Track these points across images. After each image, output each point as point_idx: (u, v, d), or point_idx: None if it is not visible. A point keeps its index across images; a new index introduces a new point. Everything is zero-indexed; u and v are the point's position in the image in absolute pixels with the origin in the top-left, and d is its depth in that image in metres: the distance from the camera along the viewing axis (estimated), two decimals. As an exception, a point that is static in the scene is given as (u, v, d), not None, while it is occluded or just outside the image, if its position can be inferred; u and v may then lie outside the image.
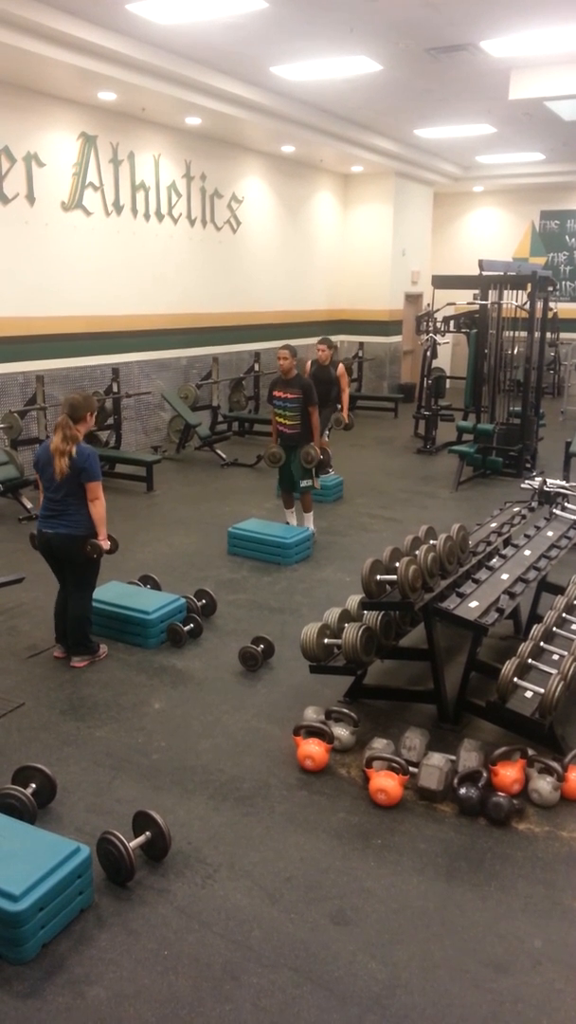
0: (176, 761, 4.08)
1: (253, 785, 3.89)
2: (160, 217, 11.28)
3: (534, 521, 5.94)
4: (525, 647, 4.13)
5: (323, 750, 4.00)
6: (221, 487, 9.57)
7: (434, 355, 12.07)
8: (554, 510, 6.06)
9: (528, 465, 10.24)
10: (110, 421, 10.16)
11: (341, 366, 9.10)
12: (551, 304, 12.29)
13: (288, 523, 7.49)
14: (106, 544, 4.91)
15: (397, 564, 4.20)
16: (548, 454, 11.06)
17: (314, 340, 10.19)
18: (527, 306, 10.19)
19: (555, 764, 3.78)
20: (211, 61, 8.95)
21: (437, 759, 3.80)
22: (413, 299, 16.38)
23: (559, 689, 3.78)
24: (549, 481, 6.69)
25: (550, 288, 10.85)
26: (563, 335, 16.52)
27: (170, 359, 11.78)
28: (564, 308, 16.68)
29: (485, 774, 3.75)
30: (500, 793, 3.67)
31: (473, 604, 4.38)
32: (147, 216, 11.05)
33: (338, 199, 15.54)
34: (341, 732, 4.13)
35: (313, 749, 3.98)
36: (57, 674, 4.95)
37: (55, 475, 4.78)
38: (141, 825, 3.35)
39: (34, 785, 3.58)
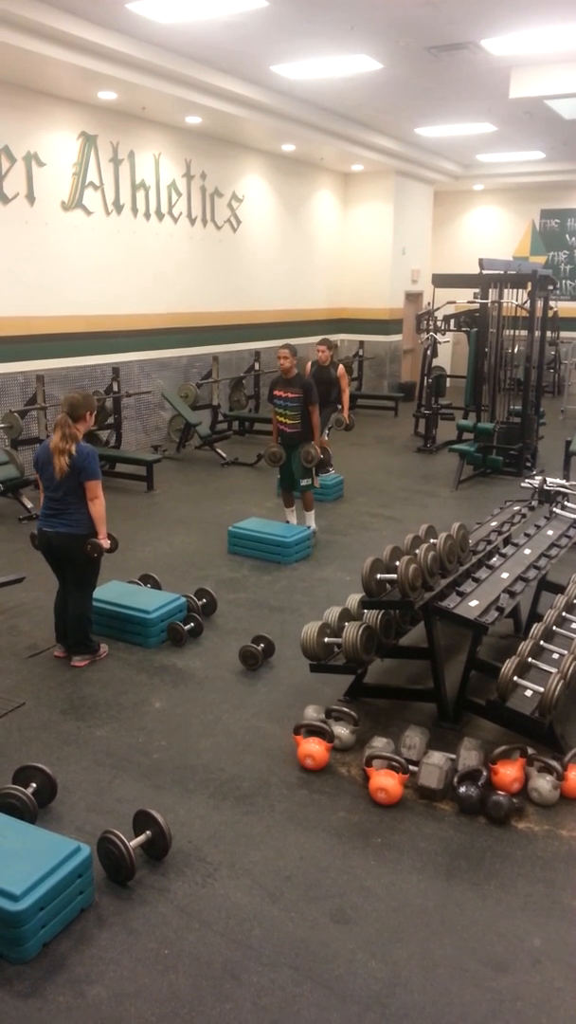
0: (176, 760, 4.08)
1: (253, 784, 3.89)
2: (160, 216, 11.28)
3: (534, 520, 5.94)
4: (525, 646, 4.13)
5: (323, 749, 4.00)
6: (221, 486, 9.57)
7: (434, 354, 12.07)
8: (554, 509, 6.07)
9: (528, 464, 10.24)
10: (110, 420, 10.16)
11: (341, 367, 9.10)
12: (551, 303, 12.29)
13: (288, 522, 7.49)
14: (106, 543, 4.91)
15: (397, 563, 4.20)
16: (548, 453, 11.06)
17: (314, 339, 10.21)
18: (527, 305, 10.19)
19: (555, 763, 3.78)
20: (211, 60, 8.95)
21: (437, 758, 3.81)
22: (413, 298, 16.38)
23: (559, 688, 3.78)
24: (549, 480, 6.69)
25: (550, 287, 10.84)
26: (563, 334, 16.52)
27: (170, 358, 11.78)
28: (564, 307, 16.67)
29: (485, 773, 3.75)
30: (500, 792, 3.67)
31: (473, 603, 4.38)
32: (147, 215, 11.05)
33: (338, 198, 15.53)
34: (341, 731, 4.14)
35: (313, 748, 3.99)
36: (57, 673, 4.96)
37: (55, 474, 4.78)
38: (141, 824, 3.36)
39: (34, 785, 3.58)
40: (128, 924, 3.04)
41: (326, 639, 4.46)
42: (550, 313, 11.79)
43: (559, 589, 5.12)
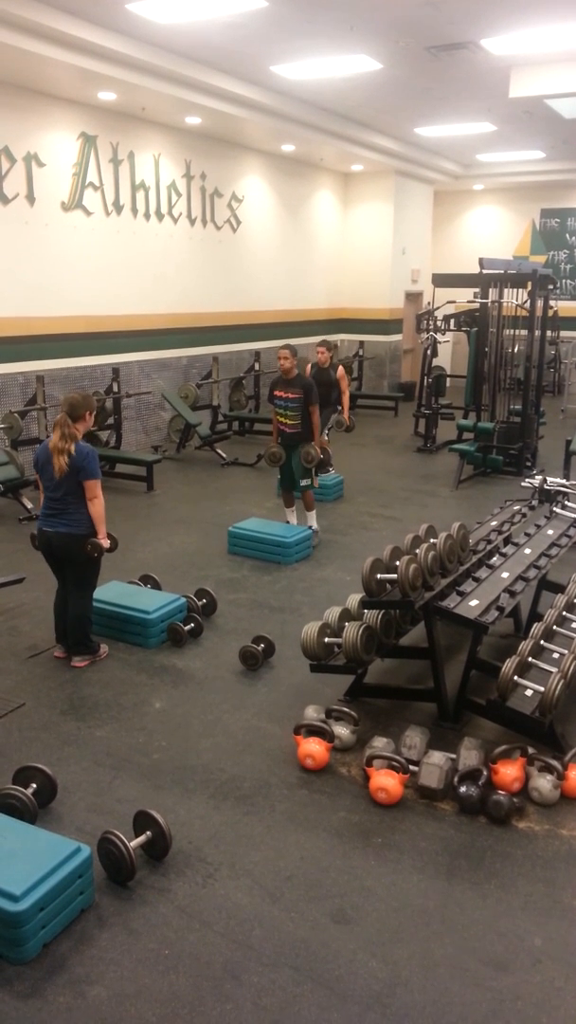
0: (177, 760, 4.08)
1: (254, 784, 3.89)
2: (160, 217, 11.28)
3: (534, 519, 5.94)
4: (525, 645, 4.13)
5: (323, 749, 4.00)
6: (221, 486, 9.57)
7: (434, 354, 12.07)
8: (554, 508, 6.07)
9: (528, 463, 10.24)
10: (110, 421, 10.16)
11: (341, 368, 9.10)
12: (551, 302, 12.29)
13: (288, 522, 7.49)
14: (106, 542, 4.91)
15: (397, 563, 4.20)
16: (548, 452, 11.06)
17: (314, 339, 10.22)
18: (527, 304, 10.19)
19: (555, 762, 3.78)
20: (211, 60, 8.95)
21: (437, 757, 3.81)
22: (413, 298, 16.38)
23: (559, 687, 3.78)
24: (549, 479, 6.69)
25: (550, 286, 10.84)
26: (563, 333, 16.52)
27: (170, 358, 11.78)
28: (564, 306, 16.67)
29: (485, 772, 3.75)
30: (500, 791, 3.67)
31: (473, 602, 4.38)
32: (147, 216, 11.05)
33: (338, 198, 15.53)
34: (341, 731, 4.14)
35: (314, 748, 3.98)
36: (57, 674, 4.96)
37: (54, 474, 4.79)
38: (142, 825, 3.35)
39: (35, 785, 3.58)
40: (128, 924, 3.04)
41: (326, 639, 4.45)
42: (550, 312, 11.79)
43: (559, 588, 5.12)
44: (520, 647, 4.13)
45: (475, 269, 10.55)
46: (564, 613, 4.59)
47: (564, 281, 17.20)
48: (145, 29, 7.84)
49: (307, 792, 3.83)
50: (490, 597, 4.46)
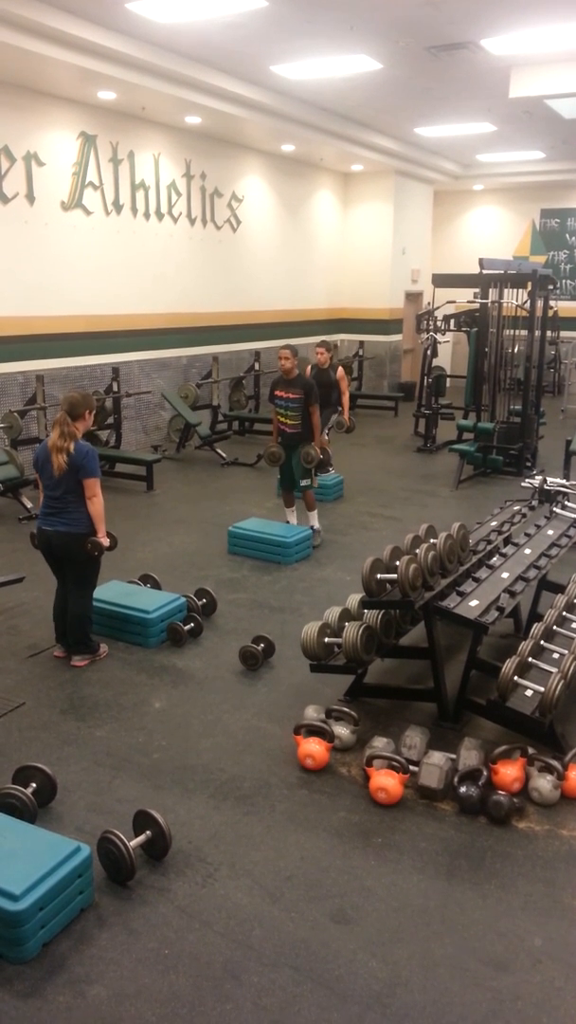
0: (176, 760, 4.08)
1: (254, 784, 3.89)
2: (160, 216, 11.28)
3: (534, 520, 5.94)
4: (525, 646, 4.13)
5: (323, 749, 4.00)
6: (221, 486, 9.57)
7: (434, 354, 12.07)
8: (554, 508, 6.06)
9: (528, 463, 10.24)
10: (110, 420, 10.16)
11: (341, 369, 9.10)
12: (551, 302, 12.29)
13: (288, 522, 7.49)
14: (106, 541, 4.91)
15: (397, 563, 4.20)
16: (548, 452, 11.06)
17: (314, 339, 10.22)
18: (527, 304, 10.19)
19: (555, 763, 3.78)
20: (211, 60, 8.94)
21: (437, 758, 3.81)
22: (413, 298, 16.38)
23: (559, 688, 3.78)
24: (549, 479, 6.69)
25: (550, 286, 10.84)
26: (563, 333, 16.52)
27: (170, 358, 11.78)
28: (564, 306, 16.67)
29: (485, 772, 3.75)
30: (500, 791, 3.67)
31: (473, 603, 4.38)
32: (147, 215, 11.05)
33: (338, 198, 15.53)
34: (341, 731, 4.13)
35: (314, 748, 3.98)
36: (57, 673, 4.95)
37: (53, 472, 4.79)
38: (141, 824, 3.35)
39: (34, 784, 3.58)
40: (128, 924, 3.03)
41: (326, 639, 4.45)
42: (550, 313, 11.79)
43: (559, 589, 5.11)
44: (520, 647, 4.13)
45: (475, 269, 10.55)
46: (564, 613, 4.59)
47: (564, 281, 17.20)
48: (145, 29, 7.84)
49: (307, 792, 3.83)
50: (490, 597, 4.46)
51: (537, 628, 4.32)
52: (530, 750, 3.91)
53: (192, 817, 3.63)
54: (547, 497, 6.48)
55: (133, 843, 3.25)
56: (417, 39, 8.09)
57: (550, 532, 5.57)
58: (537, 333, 10.37)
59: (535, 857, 3.42)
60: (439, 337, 12.01)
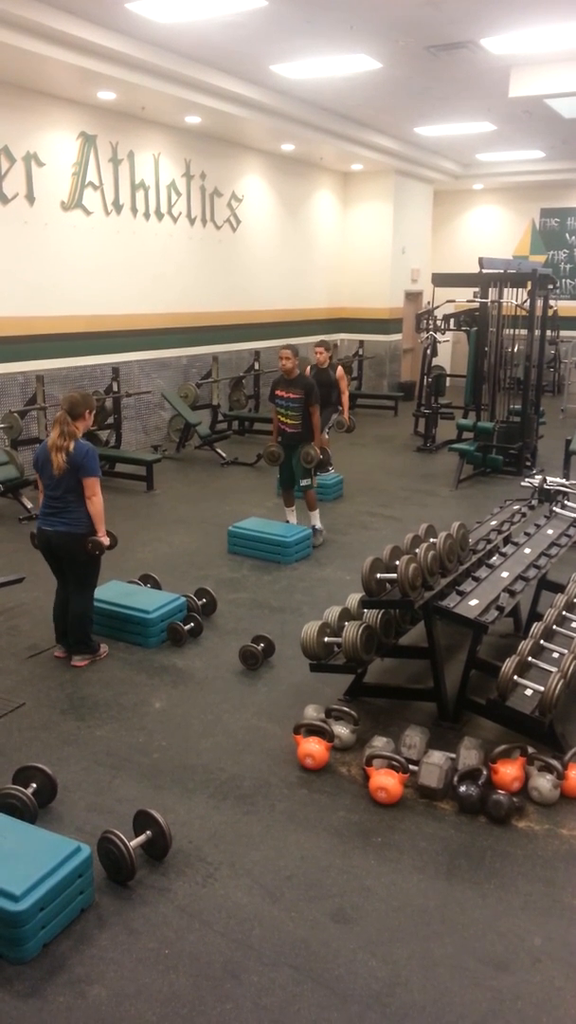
0: (176, 760, 4.08)
1: (253, 784, 3.89)
2: (160, 216, 11.28)
3: (534, 519, 5.94)
4: (525, 645, 4.13)
5: (323, 748, 4.00)
6: (221, 486, 9.57)
7: (434, 353, 12.06)
8: (554, 508, 6.07)
9: (528, 463, 10.24)
10: (110, 420, 10.16)
11: (340, 368, 9.12)
12: (551, 302, 12.28)
13: (288, 522, 7.49)
14: (106, 540, 4.91)
15: (397, 562, 4.20)
16: (548, 452, 11.05)
17: (314, 339, 10.21)
18: (527, 304, 10.19)
19: (555, 762, 3.78)
20: (211, 60, 8.94)
21: (437, 757, 3.81)
22: (413, 297, 16.37)
23: (559, 687, 3.78)
24: (549, 479, 6.69)
25: (550, 286, 10.84)
26: (563, 333, 16.51)
27: (170, 358, 11.78)
28: (564, 306, 16.66)
29: (485, 772, 3.75)
30: (500, 791, 3.67)
31: (473, 602, 4.38)
32: (147, 215, 11.05)
33: (338, 197, 15.53)
34: (341, 730, 4.14)
35: (313, 747, 3.99)
36: (57, 674, 4.96)
37: (53, 472, 4.79)
38: (142, 824, 3.36)
39: (35, 785, 3.58)
40: (128, 924, 3.04)
41: (326, 639, 4.45)
42: (550, 312, 11.79)
43: (559, 588, 5.12)
44: (520, 647, 4.13)
45: (475, 269, 10.55)
46: (564, 613, 4.60)
47: (564, 281, 17.20)
48: (145, 29, 7.84)
49: (307, 792, 3.83)
50: (490, 597, 4.47)
51: (537, 627, 4.33)
52: (530, 749, 3.91)
53: (192, 817, 3.63)
54: (547, 496, 6.48)
55: (133, 843, 3.25)
56: (417, 39, 8.09)
57: (550, 531, 5.57)
58: (537, 332, 10.36)
59: (535, 856, 3.42)
60: (439, 336, 12.01)
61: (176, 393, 11.27)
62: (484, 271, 10.41)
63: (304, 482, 7.28)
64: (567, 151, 14.21)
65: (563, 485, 6.58)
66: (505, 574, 4.79)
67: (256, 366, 12.73)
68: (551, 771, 3.76)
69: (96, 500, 4.85)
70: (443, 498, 9.17)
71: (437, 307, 11.89)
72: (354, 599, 4.69)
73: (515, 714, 3.91)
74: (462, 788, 3.70)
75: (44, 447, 4.88)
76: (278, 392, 7.18)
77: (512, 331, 10.59)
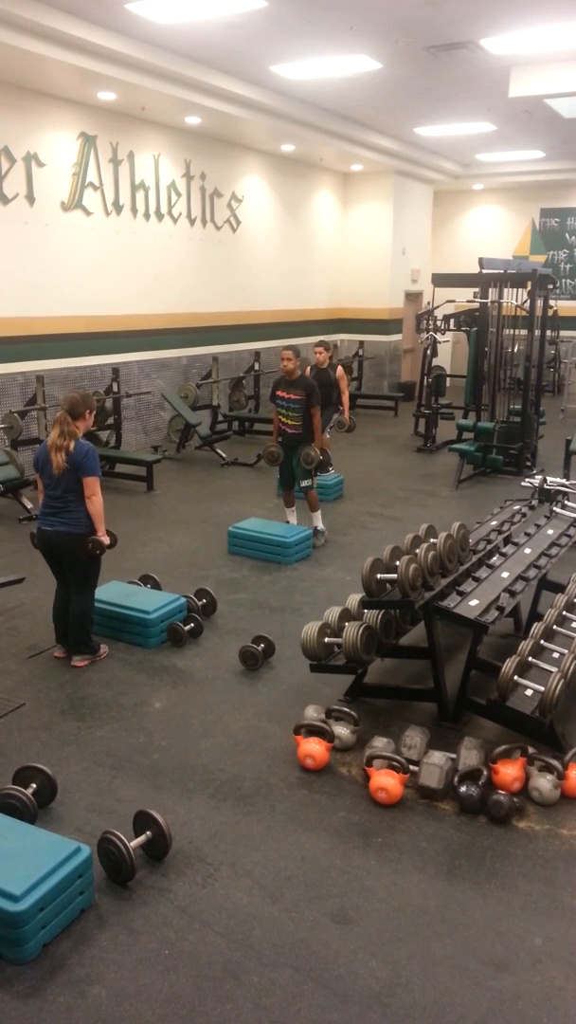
0: (177, 760, 4.08)
1: (254, 784, 3.89)
2: (160, 217, 11.28)
3: (534, 519, 5.94)
4: (525, 645, 4.13)
5: (324, 749, 4.00)
6: (221, 486, 9.57)
7: (434, 353, 12.07)
8: (554, 508, 6.07)
9: (528, 463, 10.24)
10: (110, 421, 10.16)
11: (340, 368, 9.12)
12: (551, 302, 12.29)
13: (289, 522, 7.49)
14: (106, 539, 4.92)
15: (397, 563, 4.20)
16: (548, 452, 11.05)
17: (314, 339, 10.21)
18: (527, 304, 10.19)
19: (555, 762, 3.78)
20: (211, 60, 8.94)
21: (437, 757, 3.81)
22: (413, 297, 16.38)
23: (559, 687, 3.78)
24: (549, 479, 6.69)
25: (550, 286, 10.84)
26: (563, 333, 16.52)
27: (170, 358, 11.78)
28: (564, 306, 16.66)
29: (485, 772, 3.75)
30: (500, 791, 3.67)
31: (473, 602, 4.38)
32: (147, 216, 11.05)
33: (338, 198, 15.53)
34: (342, 731, 4.13)
35: (314, 748, 3.98)
36: (57, 674, 4.95)
37: (53, 471, 4.79)
38: (142, 825, 3.35)
39: (35, 785, 3.58)
40: (128, 924, 3.04)
41: (326, 639, 4.45)
42: (550, 312, 11.79)
43: (559, 588, 5.11)
44: (520, 647, 4.13)
45: (475, 269, 10.55)
46: (564, 613, 4.59)
47: (564, 281, 17.20)
48: (145, 29, 7.84)
49: (307, 792, 3.83)
50: (490, 597, 4.46)
51: (537, 627, 4.32)
52: (530, 749, 3.91)
53: (192, 817, 3.63)
54: (547, 496, 6.48)
55: (133, 843, 3.25)
56: (417, 39, 8.09)
57: (550, 531, 5.57)
58: (537, 333, 10.36)
59: (535, 856, 3.42)
60: (439, 337, 12.01)
61: (176, 393, 11.27)
62: (484, 271, 10.41)
63: (304, 483, 7.29)
64: (567, 151, 14.21)
65: (563, 485, 6.58)
66: (505, 574, 4.79)
67: (256, 366, 12.73)
68: (551, 771, 3.76)
69: (96, 499, 4.85)
70: (443, 498, 9.17)
71: (437, 307, 11.89)
72: (354, 599, 4.69)
73: (515, 714, 3.91)
74: (462, 788, 3.69)
75: (44, 447, 4.88)
76: (279, 393, 7.18)
77: (512, 331, 10.59)
